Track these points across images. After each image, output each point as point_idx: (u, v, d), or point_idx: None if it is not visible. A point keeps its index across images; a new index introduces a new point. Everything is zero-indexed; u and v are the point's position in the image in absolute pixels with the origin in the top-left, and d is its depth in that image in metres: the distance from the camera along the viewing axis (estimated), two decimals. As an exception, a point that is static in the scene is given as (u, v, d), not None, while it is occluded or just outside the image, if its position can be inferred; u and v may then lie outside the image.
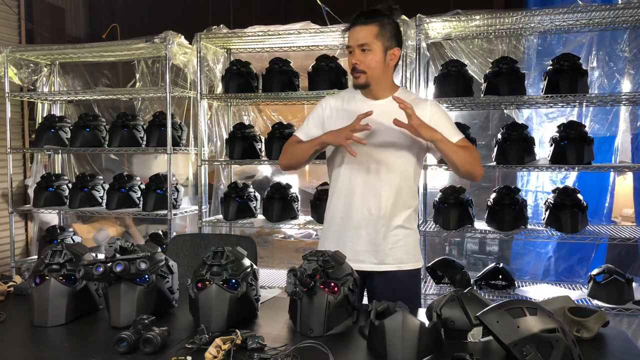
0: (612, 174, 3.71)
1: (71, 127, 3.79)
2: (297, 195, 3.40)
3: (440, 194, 3.12)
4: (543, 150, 3.17)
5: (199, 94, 3.43)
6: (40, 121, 4.01)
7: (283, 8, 5.04)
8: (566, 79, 2.85)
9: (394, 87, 2.10)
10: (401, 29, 2.98)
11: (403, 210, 2.05)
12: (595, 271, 2.92)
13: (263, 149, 3.44)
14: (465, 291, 1.59)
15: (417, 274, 2.13)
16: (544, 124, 3.71)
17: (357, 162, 2.01)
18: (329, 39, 3.39)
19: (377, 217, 2.02)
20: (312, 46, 3.59)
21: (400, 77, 3.07)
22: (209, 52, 3.58)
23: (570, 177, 3.78)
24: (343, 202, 2.07)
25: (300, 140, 2.13)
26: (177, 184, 3.68)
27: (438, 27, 3.13)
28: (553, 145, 2.91)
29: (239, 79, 3.36)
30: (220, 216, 3.46)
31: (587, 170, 2.96)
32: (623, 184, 3.81)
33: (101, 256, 2.27)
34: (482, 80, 3.12)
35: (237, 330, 1.45)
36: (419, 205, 3.11)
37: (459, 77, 3.05)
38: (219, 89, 3.63)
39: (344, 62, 3.24)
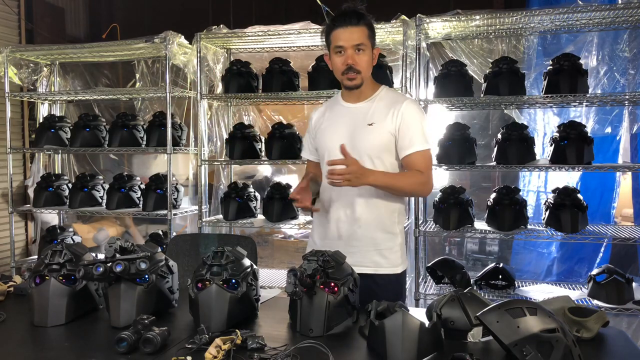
0: (618, 173, 3.70)
1: (71, 127, 3.79)
2: (297, 195, 3.39)
3: (440, 194, 3.12)
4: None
5: (199, 94, 3.43)
6: (40, 121, 4.01)
7: (283, 8, 5.04)
8: (566, 79, 2.85)
9: (375, 85, 2.10)
10: (400, 29, 3.02)
11: (379, 213, 2.02)
12: (595, 271, 2.92)
13: (263, 149, 3.44)
14: (465, 291, 1.59)
15: (398, 279, 2.07)
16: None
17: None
18: (329, 39, 3.38)
19: (352, 220, 2.02)
20: (312, 46, 3.59)
21: (401, 77, 3.07)
22: (209, 52, 3.58)
23: (573, 177, 3.77)
24: (324, 204, 2.09)
25: (311, 164, 2.27)
26: (177, 184, 3.68)
27: (438, 27, 3.13)
28: (553, 145, 2.91)
29: (239, 79, 3.36)
30: (220, 216, 3.46)
31: (587, 170, 2.96)
32: (623, 184, 3.82)
33: (101, 256, 2.27)
34: (482, 80, 3.12)
35: (237, 330, 1.45)
36: (420, 205, 3.13)
37: (459, 77, 3.05)
38: (219, 89, 3.63)
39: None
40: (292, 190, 1.98)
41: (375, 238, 2.02)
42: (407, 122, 1.97)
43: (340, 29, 1.96)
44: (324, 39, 2.08)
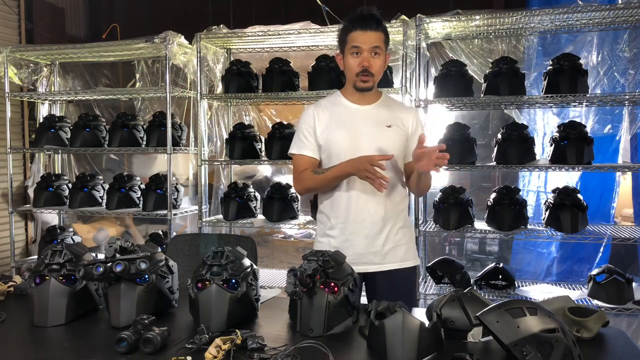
0: (618, 173, 3.70)
1: (71, 127, 3.79)
2: (297, 195, 3.39)
3: (440, 194, 3.12)
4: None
5: (199, 94, 3.43)
6: (40, 121, 4.01)
7: (283, 8, 5.04)
8: (566, 79, 2.85)
9: (378, 91, 2.18)
10: (400, 29, 3.03)
11: (399, 209, 2.12)
12: (595, 271, 2.92)
13: (263, 149, 3.44)
14: (465, 291, 1.59)
15: (416, 270, 2.22)
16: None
17: None
18: (329, 39, 3.39)
19: (378, 219, 2.06)
20: (312, 46, 3.59)
21: (401, 77, 3.07)
22: (209, 52, 3.58)
23: (573, 177, 3.77)
24: (343, 205, 2.07)
25: (311, 161, 2.10)
26: (177, 184, 3.68)
27: (438, 27, 3.13)
28: (553, 145, 2.91)
29: (239, 79, 3.36)
30: (220, 216, 3.46)
31: (587, 170, 2.96)
32: (623, 184, 3.82)
33: (101, 256, 2.27)
34: (482, 80, 3.12)
35: (237, 330, 1.45)
36: (420, 205, 3.14)
37: (459, 77, 3.05)
38: (219, 89, 3.63)
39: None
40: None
41: (399, 234, 2.10)
42: (419, 129, 2.12)
43: (359, 31, 2.01)
44: (337, 39, 2.12)
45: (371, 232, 2.05)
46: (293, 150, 2.15)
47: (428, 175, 2.04)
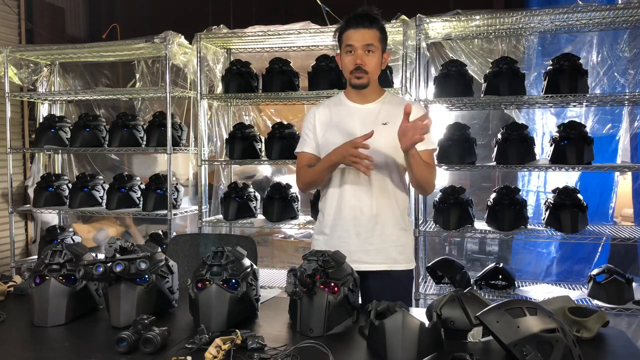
0: (617, 173, 3.70)
1: (71, 127, 3.79)
2: (297, 195, 3.40)
3: (440, 194, 3.12)
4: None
5: (199, 94, 3.43)
6: (40, 121, 4.01)
7: (283, 8, 5.04)
8: (566, 79, 2.85)
9: (381, 90, 2.17)
10: (400, 29, 3.03)
11: (394, 210, 2.09)
12: (595, 271, 2.92)
13: (263, 149, 3.44)
14: (465, 291, 1.59)
15: (411, 274, 2.17)
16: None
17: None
18: (329, 39, 3.39)
19: (369, 217, 2.05)
20: (312, 46, 3.60)
21: (400, 77, 3.07)
22: (209, 52, 3.58)
23: (572, 177, 3.77)
24: (335, 203, 2.10)
25: (311, 157, 2.14)
26: (177, 184, 3.68)
27: (438, 27, 3.13)
28: (553, 145, 2.91)
29: (239, 79, 3.36)
30: (220, 216, 3.46)
31: (587, 170, 2.96)
32: (623, 184, 3.81)
33: (101, 256, 2.27)
34: (482, 80, 3.12)
35: (237, 330, 1.45)
36: (420, 205, 3.13)
37: (459, 77, 3.05)
38: (219, 89, 3.63)
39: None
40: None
41: (392, 234, 2.08)
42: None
43: (352, 30, 2.03)
44: (336, 39, 2.14)
45: (362, 230, 2.05)
46: (297, 149, 2.22)
47: (424, 167, 1.99)
